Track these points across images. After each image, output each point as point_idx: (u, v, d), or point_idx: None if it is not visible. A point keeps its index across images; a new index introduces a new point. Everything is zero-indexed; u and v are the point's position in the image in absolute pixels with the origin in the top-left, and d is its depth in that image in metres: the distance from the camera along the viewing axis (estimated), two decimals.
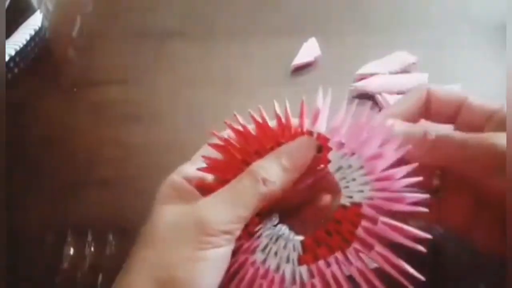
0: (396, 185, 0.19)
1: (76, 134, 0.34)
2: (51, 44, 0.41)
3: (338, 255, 0.19)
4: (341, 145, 0.20)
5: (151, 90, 0.36)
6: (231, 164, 0.21)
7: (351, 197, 0.19)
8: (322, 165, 0.21)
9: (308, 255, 0.20)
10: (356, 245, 0.19)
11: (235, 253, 0.19)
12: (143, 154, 0.33)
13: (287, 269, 0.19)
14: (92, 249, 0.28)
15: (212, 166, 0.21)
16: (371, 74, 0.34)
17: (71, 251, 0.28)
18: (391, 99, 0.33)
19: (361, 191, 0.19)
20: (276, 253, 0.20)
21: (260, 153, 0.21)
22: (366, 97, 0.34)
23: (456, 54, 0.36)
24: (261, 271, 0.19)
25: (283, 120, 0.21)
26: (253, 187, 0.19)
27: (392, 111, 0.21)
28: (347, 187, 0.20)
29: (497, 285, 0.24)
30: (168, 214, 0.19)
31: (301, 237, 0.20)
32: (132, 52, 0.39)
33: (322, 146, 0.20)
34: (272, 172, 0.19)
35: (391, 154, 0.19)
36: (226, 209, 0.18)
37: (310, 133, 0.20)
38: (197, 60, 0.38)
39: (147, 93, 0.36)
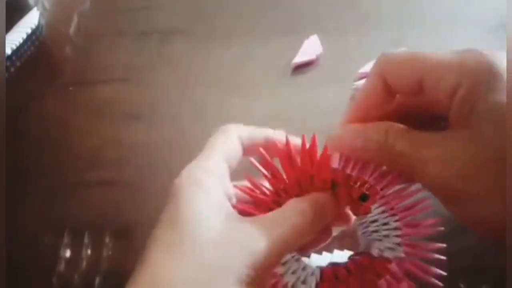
0: (424, 255, 0.19)
1: (74, 133, 0.34)
2: (48, 43, 0.40)
3: None
4: (386, 203, 0.20)
5: (150, 89, 0.36)
6: (272, 187, 0.20)
7: (381, 250, 0.20)
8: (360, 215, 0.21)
9: (325, 285, 0.20)
10: None
11: None
12: (142, 154, 0.32)
13: None
14: (89, 251, 0.28)
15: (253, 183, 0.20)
16: None
17: (68, 253, 0.28)
18: None
19: (393, 249, 0.20)
20: (294, 272, 0.20)
21: (300, 184, 0.20)
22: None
23: None
24: (280, 284, 0.19)
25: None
26: (296, 225, 0.17)
27: (358, 106, 0.20)
28: (379, 240, 0.20)
29: (500, 286, 0.24)
30: (208, 229, 0.16)
31: (318, 269, 0.20)
32: (131, 50, 0.38)
33: (368, 196, 0.20)
34: (310, 210, 0.18)
35: (427, 229, 0.20)
36: (274, 245, 0.16)
37: (363, 179, 0.19)
38: (198, 59, 0.37)
39: (146, 92, 0.36)
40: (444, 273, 0.19)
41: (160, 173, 0.31)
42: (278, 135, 0.21)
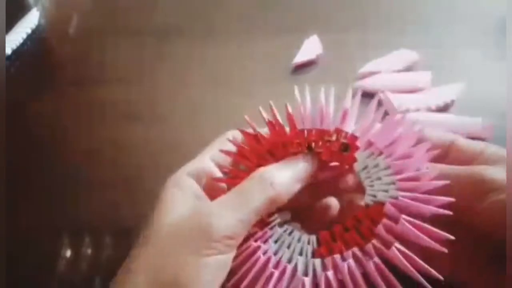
0: (424, 186, 0.18)
1: (73, 133, 0.34)
2: (48, 43, 0.40)
3: (355, 250, 0.18)
4: (369, 144, 0.20)
5: (150, 89, 0.36)
6: (248, 169, 0.20)
7: (374, 196, 0.19)
8: (347, 166, 0.21)
9: (323, 248, 0.19)
10: (374, 242, 0.18)
11: (247, 239, 0.19)
12: (142, 154, 0.32)
13: (300, 261, 0.19)
14: (89, 251, 0.28)
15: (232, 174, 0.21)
16: (374, 72, 0.34)
17: (68, 253, 0.28)
18: (394, 97, 0.32)
19: (386, 190, 0.19)
20: (289, 246, 0.19)
21: (273, 154, 0.20)
22: (369, 95, 0.34)
23: (457, 54, 0.36)
24: (273, 260, 0.19)
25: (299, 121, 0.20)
26: (262, 191, 0.18)
27: None
28: (371, 186, 0.20)
29: None
30: (172, 216, 0.18)
31: (313, 236, 0.20)
32: (131, 50, 0.38)
33: (349, 145, 0.20)
34: (280, 178, 0.19)
35: (422, 155, 0.19)
36: (232, 214, 0.18)
37: (339, 131, 0.20)
38: (197, 59, 0.37)
39: (146, 92, 0.36)
40: (450, 212, 0.18)
41: (159, 173, 0.31)
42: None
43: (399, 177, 0.19)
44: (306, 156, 0.20)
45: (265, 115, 0.21)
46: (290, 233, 0.20)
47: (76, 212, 0.30)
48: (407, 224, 0.18)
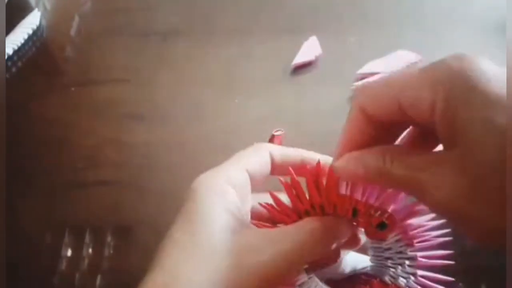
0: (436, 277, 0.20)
1: (75, 133, 0.34)
2: (49, 43, 0.40)
3: None
4: (403, 232, 0.20)
5: (151, 89, 0.36)
6: (295, 208, 0.20)
7: (395, 278, 0.20)
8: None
9: None
10: None
11: None
12: (143, 154, 0.32)
13: None
14: (90, 250, 0.28)
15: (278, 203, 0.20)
16: (372, 73, 0.34)
17: (69, 252, 0.28)
18: None
19: (406, 278, 0.20)
20: None
21: (323, 208, 0.20)
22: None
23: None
24: None
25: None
26: (306, 244, 0.18)
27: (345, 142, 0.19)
28: (393, 268, 0.21)
29: (499, 286, 0.24)
30: (221, 239, 0.17)
31: None
32: (132, 51, 0.39)
33: (387, 226, 0.20)
34: (319, 232, 0.18)
35: (441, 261, 0.20)
36: (283, 263, 0.17)
37: (383, 210, 0.19)
38: (198, 60, 0.37)
39: (147, 92, 0.36)
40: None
41: (160, 172, 0.31)
42: (311, 156, 0.21)
43: (419, 272, 0.20)
44: (349, 221, 0.20)
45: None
46: (310, 278, 0.20)
47: (75, 212, 0.30)
48: None
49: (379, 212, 0.20)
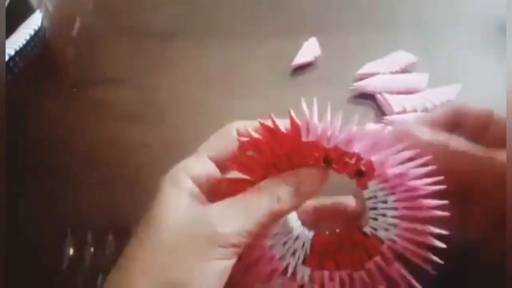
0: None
1: (76, 134, 0.34)
2: (51, 44, 0.41)
3: (344, 275, 0.19)
4: (385, 181, 0.19)
5: (151, 90, 0.36)
6: (260, 163, 0.20)
7: (375, 229, 0.20)
8: (359, 188, 0.20)
9: (314, 258, 0.20)
10: (363, 275, 0.19)
11: None
12: (143, 154, 0.33)
13: (291, 263, 0.19)
14: (92, 249, 0.28)
15: (239, 161, 0.20)
16: (372, 74, 0.34)
17: (71, 251, 0.28)
18: (392, 99, 0.32)
19: (387, 229, 0.19)
20: (285, 243, 0.20)
21: (290, 158, 0.20)
22: (367, 97, 0.34)
23: (456, 54, 0.36)
24: (267, 255, 0.19)
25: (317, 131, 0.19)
26: (268, 205, 0.18)
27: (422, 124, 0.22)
28: (375, 218, 0.20)
29: (497, 286, 0.24)
30: (173, 217, 0.18)
31: (312, 233, 0.20)
32: (132, 52, 0.39)
33: (364, 173, 0.19)
34: (286, 193, 0.19)
35: (428, 208, 0.19)
36: (239, 223, 0.18)
37: (358, 156, 0.19)
38: (197, 60, 0.38)
39: (147, 93, 0.36)
40: (441, 262, 0.18)
41: (160, 172, 0.31)
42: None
43: (403, 225, 0.19)
44: (321, 170, 0.19)
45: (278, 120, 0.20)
46: (288, 233, 0.20)
47: (77, 212, 0.30)
48: (397, 271, 0.18)
49: (354, 159, 0.19)
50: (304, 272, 0.19)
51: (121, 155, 0.33)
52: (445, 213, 0.18)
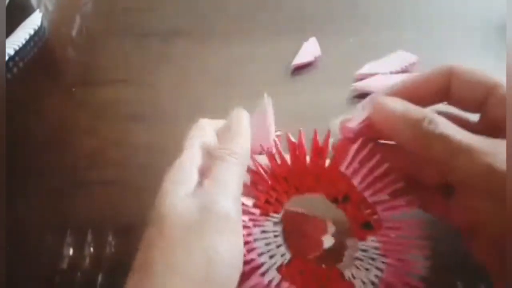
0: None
1: (76, 133, 0.34)
2: (51, 44, 0.41)
3: None
4: (384, 242, 0.20)
5: (151, 89, 0.36)
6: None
7: (354, 277, 0.20)
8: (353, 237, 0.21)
9: (288, 271, 0.20)
10: None
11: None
12: (143, 154, 0.33)
13: (266, 264, 0.20)
14: (92, 249, 0.28)
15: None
16: (372, 74, 0.34)
17: (71, 251, 0.28)
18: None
19: (364, 283, 0.20)
20: (267, 244, 0.20)
21: (288, 180, 0.21)
22: (366, 97, 0.34)
23: (456, 54, 0.36)
24: (251, 245, 0.20)
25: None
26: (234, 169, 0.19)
27: (406, 88, 0.20)
28: (358, 268, 0.20)
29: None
30: (174, 211, 0.18)
31: (288, 253, 0.21)
32: (133, 51, 0.39)
33: (372, 227, 0.20)
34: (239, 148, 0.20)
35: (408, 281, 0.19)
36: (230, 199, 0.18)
37: (369, 205, 0.19)
38: (198, 60, 0.38)
39: (147, 93, 0.36)
40: None
41: (161, 172, 0.31)
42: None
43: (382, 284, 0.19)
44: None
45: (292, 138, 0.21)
46: (276, 236, 0.20)
47: (77, 212, 0.30)
48: None
49: (369, 211, 0.19)
50: (274, 277, 0.20)
51: (121, 155, 0.33)
52: None
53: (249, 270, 0.19)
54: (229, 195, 0.18)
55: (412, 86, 0.20)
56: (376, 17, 0.39)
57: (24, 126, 0.35)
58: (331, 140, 0.20)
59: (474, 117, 0.20)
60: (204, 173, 0.20)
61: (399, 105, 0.18)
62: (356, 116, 0.20)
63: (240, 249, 0.18)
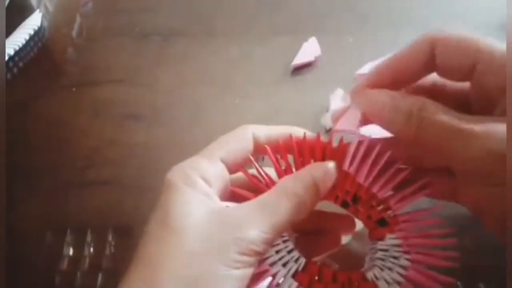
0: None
1: (75, 134, 0.34)
2: (51, 44, 0.41)
3: None
4: (404, 238, 0.19)
5: (151, 89, 0.36)
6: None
7: (377, 278, 0.19)
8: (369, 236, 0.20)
9: (305, 276, 0.19)
10: None
11: None
12: (143, 154, 0.33)
13: (280, 273, 0.19)
14: (92, 249, 0.28)
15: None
16: None
17: (71, 251, 0.28)
18: None
19: (388, 283, 0.19)
20: (278, 251, 0.19)
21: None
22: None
23: None
24: (266, 275, 0.18)
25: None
26: (287, 205, 0.17)
27: (391, 67, 0.19)
28: (381, 268, 0.19)
29: (497, 285, 0.24)
30: (196, 219, 0.17)
31: (301, 257, 0.20)
32: (132, 52, 0.39)
33: (387, 223, 0.19)
34: (303, 190, 0.18)
35: (434, 279, 0.18)
36: (263, 227, 0.17)
37: (388, 205, 0.18)
38: (197, 60, 0.38)
39: (147, 93, 0.36)
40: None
41: (160, 172, 0.31)
42: (299, 131, 0.20)
43: (408, 285, 0.18)
44: (335, 167, 0.18)
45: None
46: (285, 241, 0.19)
47: (76, 212, 0.30)
48: None
49: (381, 207, 0.18)
50: (291, 286, 0.18)
51: (121, 155, 0.33)
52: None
53: (262, 281, 0.18)
54: (260, 235, 0.16)
55: (397, 63, 0.19)
56: (376, 17, 0.39)
57: (22, 125, 0.35)
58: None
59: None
60: (221, 191, 0.19)
61: (387, 98, 0.18)
62: (340, 106, 0.19)
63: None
